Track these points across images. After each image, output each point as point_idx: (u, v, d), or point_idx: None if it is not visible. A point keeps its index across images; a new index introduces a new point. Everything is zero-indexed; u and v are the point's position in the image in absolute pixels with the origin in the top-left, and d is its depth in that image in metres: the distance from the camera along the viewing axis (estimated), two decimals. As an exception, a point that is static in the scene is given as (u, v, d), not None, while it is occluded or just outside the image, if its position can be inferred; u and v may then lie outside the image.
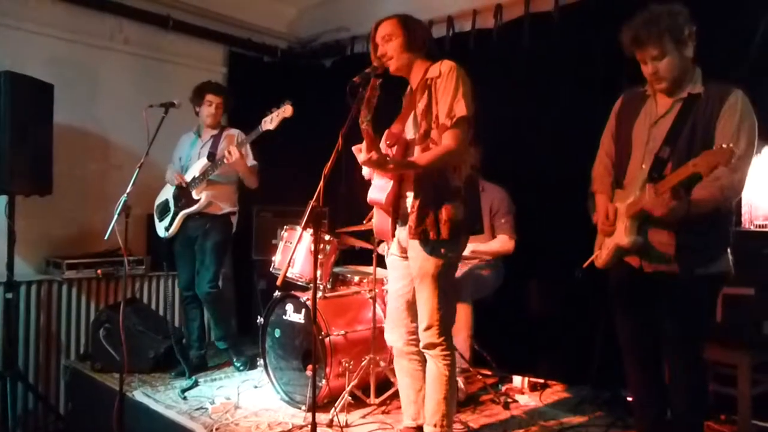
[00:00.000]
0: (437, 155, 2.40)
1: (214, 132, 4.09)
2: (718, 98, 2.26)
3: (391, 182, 2.51)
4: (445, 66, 2.46)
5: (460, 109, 2.39)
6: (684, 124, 2.29)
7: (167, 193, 4.11)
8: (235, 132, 4.03)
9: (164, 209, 4.10)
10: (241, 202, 4.23)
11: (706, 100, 2.28)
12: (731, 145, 1.99)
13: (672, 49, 2.25)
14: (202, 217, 3.98)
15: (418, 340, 2.66)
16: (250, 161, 3.97)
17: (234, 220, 4.14)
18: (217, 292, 4.03)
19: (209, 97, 4.03)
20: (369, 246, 3.51)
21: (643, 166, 2.35)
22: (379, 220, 2.66)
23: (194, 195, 3.93)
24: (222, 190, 4.02)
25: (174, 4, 4.99)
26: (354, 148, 2.45)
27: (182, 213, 3.97)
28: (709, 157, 2.02)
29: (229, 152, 3.73)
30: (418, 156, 2.45)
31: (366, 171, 2.66)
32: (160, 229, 4.10)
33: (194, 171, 3.96)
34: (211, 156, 3.93)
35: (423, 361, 2.68)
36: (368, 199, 2.61)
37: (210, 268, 3.98)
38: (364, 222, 3.17)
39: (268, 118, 3.65)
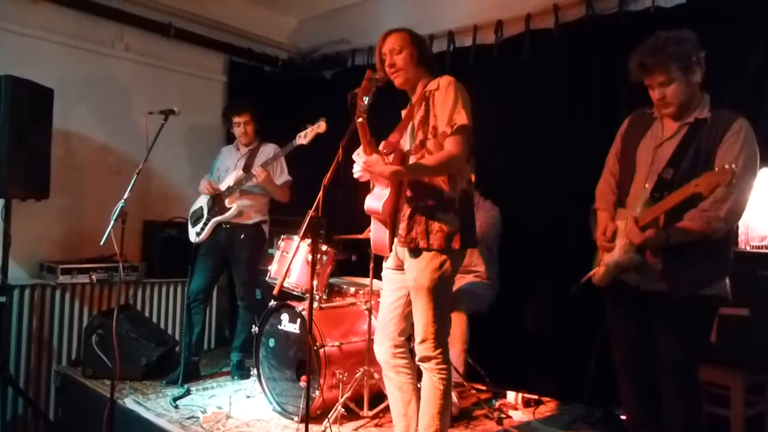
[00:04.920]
0: (440, 159, 2.39)
1: (252, 146, 4.21)
2: (723, 124, 2.27)
3: (388, 189, 2.50)
4: (444, 80, 2.49)
5: (461, 119, 2.40)
6: (688, 148, 2.31)
7: (202, 201, 4.21)
8: (272, 147, 4.13)
9: (198, 216, 4.19)
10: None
11: (712, 125, 2.30)
12: (732, 165, 2.01)
13: (679, 76, 2.27)
14: (234, 227, 4.09)
15: (405, 353, 2.65)
16: (285, 176, 4.13)
17: (266, 228, 4.23)
18: (253, 300, 4.17)
19: (235, 119, 4.15)
20: (361, 236, 3.45)
21: (646, 185, 2.36)
22: (376, 233, 2.64)
23: (226, 203, 4.05)
24: (255, 200, 4.14)
25: (175, 12, 5.02)
26: (354, 155, 2.46)
27: (214, 220, 4.07)
28: (710, 177, 2.06)
29: (261, 167, 3.89)
30: (420, 160, 2.45)
31: (355, 170, 2.63)
32: (192, 234, 4.18)
33: (229, 181, 4.08)
34: (247, 168, 4.06)
35: (411, 374, 2.67)
36: (365, 208, 2.59)
37: (249, 276, 4.12)
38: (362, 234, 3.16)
39: (302, 134, 3.80)
